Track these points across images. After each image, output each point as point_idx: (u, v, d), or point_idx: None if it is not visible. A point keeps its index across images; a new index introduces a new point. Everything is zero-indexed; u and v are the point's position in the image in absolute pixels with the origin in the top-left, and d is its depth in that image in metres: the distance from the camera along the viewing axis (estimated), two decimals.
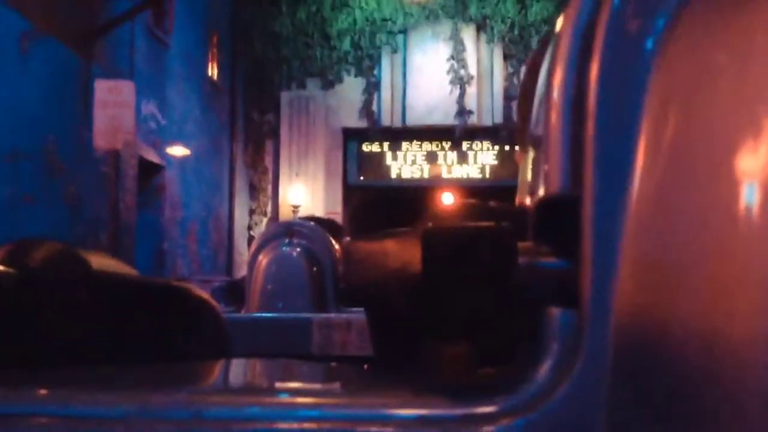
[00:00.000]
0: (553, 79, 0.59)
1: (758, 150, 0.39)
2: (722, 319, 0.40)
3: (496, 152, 12.64)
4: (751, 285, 0.39)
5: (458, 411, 0.53)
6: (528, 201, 0.69)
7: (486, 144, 12.72)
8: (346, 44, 12.51)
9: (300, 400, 0.58)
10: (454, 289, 0.54)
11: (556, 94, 0.58)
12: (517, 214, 0.72)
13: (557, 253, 0.57)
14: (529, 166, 0.71)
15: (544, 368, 0.53)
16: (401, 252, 0.64)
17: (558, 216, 0.56)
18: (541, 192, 0.60)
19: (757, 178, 0.39)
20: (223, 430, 0.54)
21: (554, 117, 0.57)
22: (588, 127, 0.54)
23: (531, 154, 0.73)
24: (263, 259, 2.85)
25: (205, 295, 0.99)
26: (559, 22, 0.61)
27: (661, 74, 0.52)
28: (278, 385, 0.70)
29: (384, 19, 12.50)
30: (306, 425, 0.53)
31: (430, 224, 0.59)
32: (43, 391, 0.62)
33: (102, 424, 0.57)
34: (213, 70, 11.42)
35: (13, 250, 0.83)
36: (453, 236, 0.56)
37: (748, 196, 0.40)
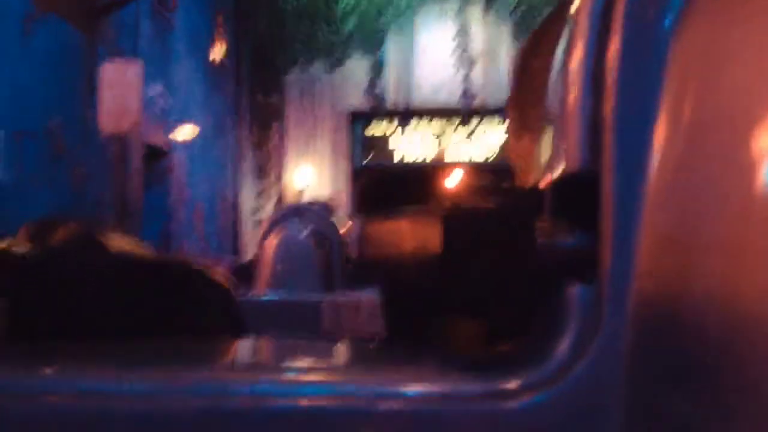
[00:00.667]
0: (572, 58, 0.59)
1: None
2: (740, 294, 0.41)
3: (502, 132, 12.60)
4: (766, 261, 0.39)
5: (480, 387, 0.53)
6: (544, 180, 0.69)
7: (493, 124, 12.68)
8: (351, 24, 12.44)
9: (324, 376, 0.59)
10: (475, 267, 0.55)
11: (575, 72, 0.58)
12: (531, 194, 0.73)
13: (576, 230, 0.57)
14: (546, 148, 0.72)
15: (564, 344, 0.54)
16: (418, 230, 0.65)
17: (577, 192, 0.57)
18: (559, 170, 0.61)
19: None
20: (248, 405, 0.55)
21: (573, 94, 0.57)
22: (607, 104, 0.54)
23: (547, 135, 0.73)
24: (272, 241, 2.87)
25: (220, 274, 1.00)
26: (575, 3, 0.61)
27: (680, 51, 0.52)
28: (301, 362, 0.71)
29: None
30: (331, 401, 0.54)
31: (449, 204, 0.59)
32: (66, 368, 0.63)
33: (128, 400, 0.57)
34: (218, 52, 11.38)
35: (35, 229, 0.84)
36: (474, 216, 0.56)
37: (764, 173, 0.40)
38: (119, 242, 0.90)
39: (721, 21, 0.48)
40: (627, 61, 0.54)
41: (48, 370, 0.63)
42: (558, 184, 0.60)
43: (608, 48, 0.55)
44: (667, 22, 0.53)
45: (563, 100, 0.60)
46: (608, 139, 0.54)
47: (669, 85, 0.52)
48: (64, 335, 0.79)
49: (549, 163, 0.66)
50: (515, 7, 12.12)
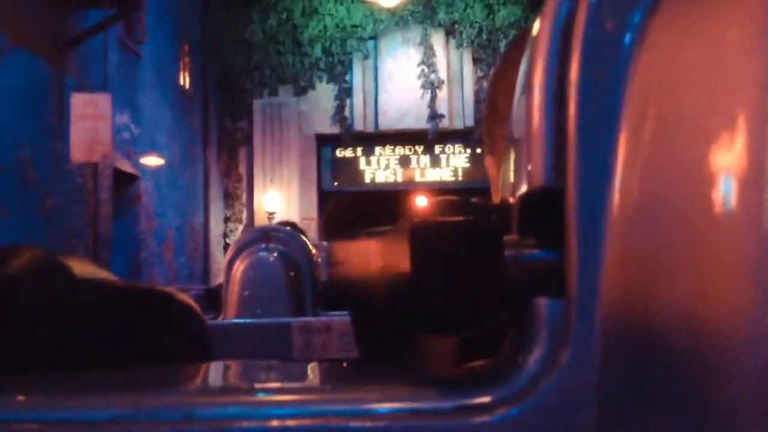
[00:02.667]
0: (534, 78, 0.60)
1: (735, 142, 0.41)
2: (706, 305, 0.41)
3: (468, 155, 12.73)
4: (731, 271, 0.40)
5: (451, 402, 0.53)
6: (510, 198, 0.70)
7: (458, 147, 12.80)
8: (318, 51, 12.52)
9: (293, 397, 0.59)
10: (443, 282, 0.55)
11: (537, 91, 0.59)
12: (499, 210, 0.74)
13: (543, 244, 0.58)
14: (511, 166, 0.72)
15: (534, 357, 0.54)
16: (387, 250, 0.65)
17: (543, 208, 0.57)
18: (524, 188, 0.61)
19: (735, 169, 0.40)
20: (217, 429, 0.54)
21: (536, 113, 0.58)
22: (570, 122, 0.55)
23: (511, 154, 0.74)
24: (240, 265, 2.84)
25: (187, 298, 0.99)
26: (536, 24, 0.62)
27: (640, 68, 0.53)
28: (270, 384, 0.70)
29: (354, 26, 12.54)
30: (300, 422, 0.54)
31: (416, 221, 0.59)
32: (30, 397, 0.62)
33: (94, 427, 0.56)
34: (185, 79, 11.37)
35: None
36: (441, 230, 0.56)
37: (727, 186, 0.41)
38: (82, 268, 0.89)
39: (681, 38, 0.49)
40: (588, 79, 0.55)
41: (13, 399, 0.61)
42: (524, 201, 0.61)
43: (569, 67, 0.56)
44: (627, 39, 0.54)
45: (527, 119, 0.61)
46: (571, 155, 0.55)
47: (631, 101, 0.53)
48: (28, 363, 0.77)
49: (515, 180, 0.67)
50: (477, 34, 12.31)
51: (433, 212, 0.73)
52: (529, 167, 0.59)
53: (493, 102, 1.24)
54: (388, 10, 12.22)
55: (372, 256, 0.69)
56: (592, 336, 0.52)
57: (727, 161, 0.41)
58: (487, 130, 1.27)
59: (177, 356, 0.90)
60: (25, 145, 6.27)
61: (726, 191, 0.41)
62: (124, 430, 0.56)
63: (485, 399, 0.53)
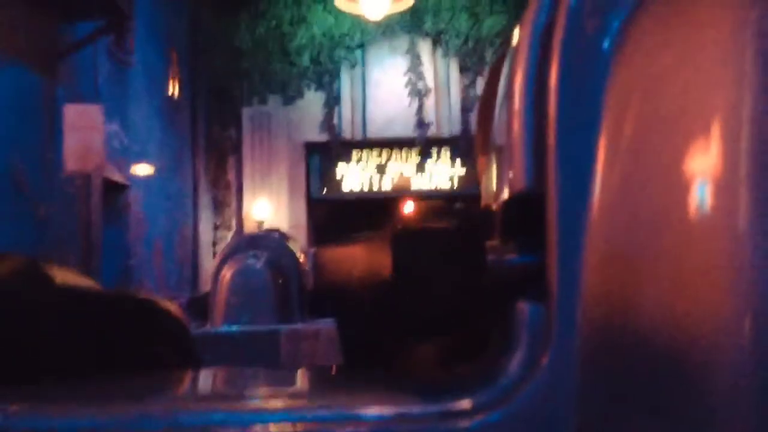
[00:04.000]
0: (515, 84, 0.60)
1: (710, 145, 0.41)
2: (684, 307, 0.42)
3: (455, 162, 12.75)
4: (710, 272, 0.40)
5: (434, 408, 0.53)
6: (493, 203, 0.70)
7: (445, 154, 12.82)
8: (306, 59, 12.53)
9: (277, 403, 0.59)
10: (425, 287, 0.55)
11: (517, 96, 0.59)
12: (482, 215, 0.74)
13: (524, 249, 0.58)
14: (493, 171, 0.73)
15: (516, 362, 0.54)
16: (370, 256, 0.65)
17: (524, 213, 0.58)
18: (506, 193, 0.61)
19: (712, 171, 0.41)
20: None
21: (517, 119, 0.59)
22: (550, 127, 0.56)
23: (493, 160, 0.75)
24: (227, 272, 2.83)
25: (171, 306, 0.99)
26: (516, 32, 0.63)
27: (619, 74, 0.53)
28: (254, 390, 0.70)
29: (342, 35, 12.56)
30: (284, 427, 0.54)
31: (399, 227, 0.60)
32: (14, 406, 0.62)
33: None
34: (174, 88, 11.34)
35: None
36: (423, 236, 0.57)
37: (704, 189, 0.41)
38: (64, 276, 0.89)
39: (658, 42, 0.50)
40: (567, 85, 0.55)
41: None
42: (506, 206, 0.61)
43: (549, 73, 0.57)
44: (605, 45, 0.55)
45: (508, 126, 0.61)
46: (551, 160, 0.55)
47: (609, 106, 0.53)
48: (8, 372, 0.77)
49: (498, 185, 0.67)
50: (463, 43, 12.37)
51: (417, 218, 0.73)
52: (510, 173, 0.59)
53: (485, 106, 1.25)
54: (375, 20, 12.25)
55: (356, 261, 0.69)
56: (573, 339, 0.52)
57: (704, 164, 0.41)
58: (481, 132, 1.28)
59: (160, 364, 0.90)
60: (17, 155, 6.27)
61: (703, 194, 0.41)
62: None
63: (468, 403, 0.53)
